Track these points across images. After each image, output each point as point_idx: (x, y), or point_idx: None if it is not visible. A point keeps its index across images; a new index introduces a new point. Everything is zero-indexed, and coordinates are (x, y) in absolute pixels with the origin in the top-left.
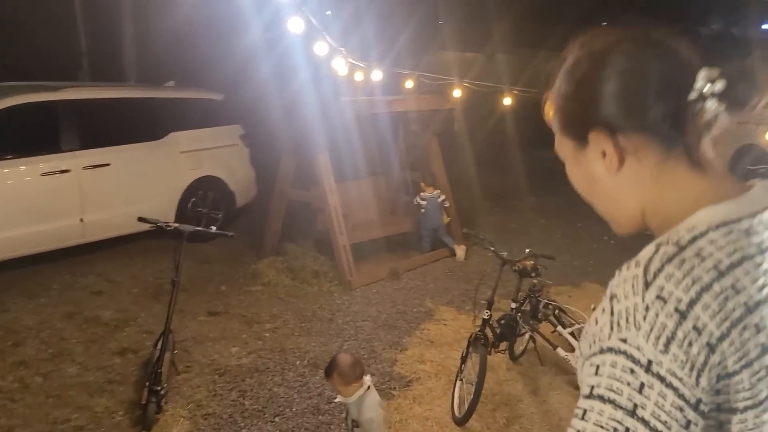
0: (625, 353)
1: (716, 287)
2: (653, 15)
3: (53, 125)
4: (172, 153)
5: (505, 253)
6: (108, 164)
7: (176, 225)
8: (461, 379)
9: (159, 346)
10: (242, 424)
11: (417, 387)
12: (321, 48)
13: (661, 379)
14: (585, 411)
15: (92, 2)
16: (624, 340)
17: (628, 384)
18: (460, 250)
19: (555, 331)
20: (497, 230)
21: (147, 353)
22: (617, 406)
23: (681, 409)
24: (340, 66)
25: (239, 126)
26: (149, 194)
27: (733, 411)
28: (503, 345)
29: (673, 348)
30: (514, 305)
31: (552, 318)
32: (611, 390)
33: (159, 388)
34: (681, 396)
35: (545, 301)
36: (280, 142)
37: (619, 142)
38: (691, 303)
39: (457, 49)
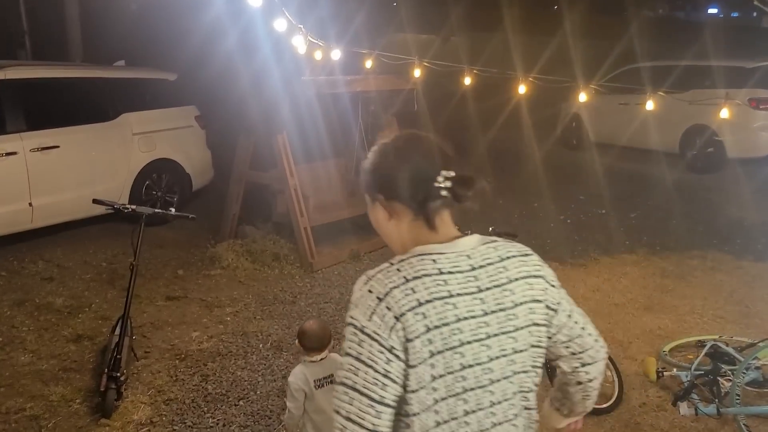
0: (351, 324)
1: (402, 287)
2: None
3: None
4: (125, 135)
5: (468, 231)
6: (57, 146)
7: (134, 207)
8: None
9: (117, 332)
10: (205, 409)
11: None
12: (280, 24)
13: (369, 336)
14: (341, 363)
15: None
16: (352, 317)
17: (353, 341)
18: None
19: None
20: (456, 210)
21: (103, 340)
22: (350, 355)
23: (381, 352)
24: (299, 43)
25: (194, 107)
26: (101, 177)
27: (413, 366)
28: None
29: (375, 318)
30: None
31: None
32: (348, 347)
33: (118, 374)
34: (381, 345)
35: None
36: (237, 123)
37: (389, 205)
38: (386, 294)
39: (413, 31)
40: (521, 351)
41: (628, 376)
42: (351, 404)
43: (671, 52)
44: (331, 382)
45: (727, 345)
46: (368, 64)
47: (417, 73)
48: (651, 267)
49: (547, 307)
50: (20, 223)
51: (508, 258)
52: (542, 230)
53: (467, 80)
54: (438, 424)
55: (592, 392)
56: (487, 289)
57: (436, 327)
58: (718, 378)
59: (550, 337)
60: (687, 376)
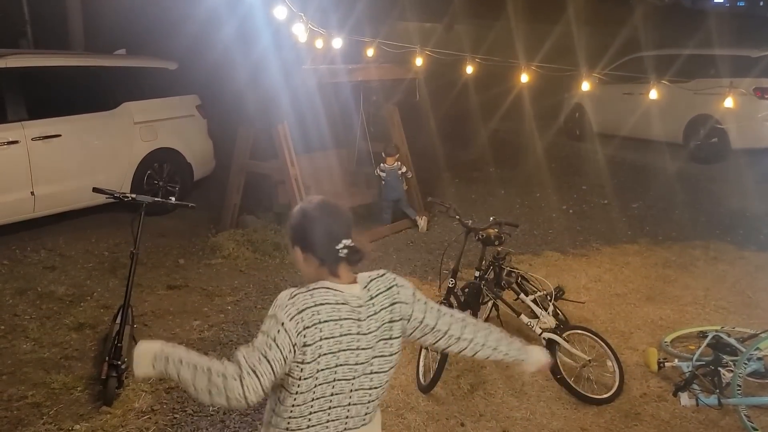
0: (275, 317)
1: (311, 308)
2: None
3: None
4: (126, 124)
5: (470, 221)
6: (59, 135)
7: (134, 196)
8: (426, 348)
9: (118, 320)
10: None
11: None
12: (280, 12)
13: (285, 331)
14: (255, 337)
15: None
16: (276, 313)
17: (273, 328)
18: (422, 221)
19: (518, 298)
20: (458, 201)
21: (105, 328)
22: (268, 335)
23: (288, 344)
24: (300, 32)
25: (196, 96)
26: (103, 166)
27: (307, 363)
28: (467, 313)
29: (292, 322)
30: (477, 273)
31: (515, 286)
32: (268, 330)
33: (120, 362)
34: (290, 340)
35: (508, 269)
36: (237, 113)
37: (302, 253)
38: (302, 310)
39: (416, 19)
40: (377, 357)
41: (629, 366)
42: (259, 363)
43: (676, 40)
44: None
45: (729, 336)
46: (370, 52)
47: (419, 62)
48: (653, 257)
49: (402, 319)
50: (22, 211)
51: (378, 295)
52: (544, 220)
53: (469, 69)
54: (313, 399)
55: (497, 341)
56: (364, 319)
57: (326, 339)
58: (720, 369)
59: (420, 336)
60: (688, 367)
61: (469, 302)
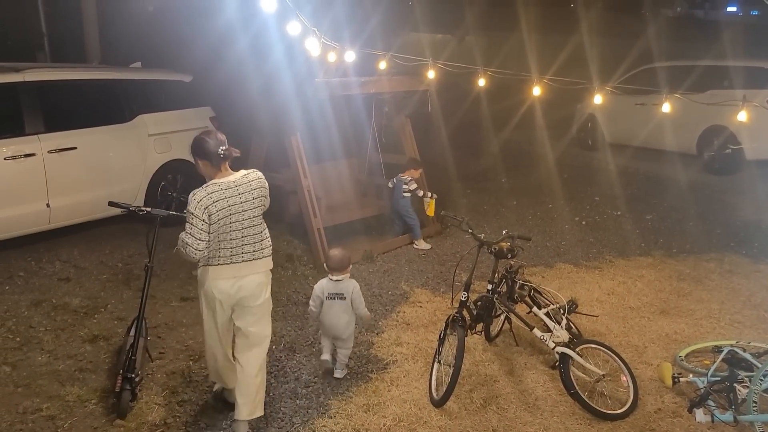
0: (189, 210)
1: (206, 197)
2: None
3: (16, 108)
4: (141, 136)
5: (483, 235)
6: (74, 148)
7: (149, 209)
8: (439, 361)
9: (132, 333)
10: (219, 410)
11: (394, 369)
12: (294, 27)
13: (194, 215)
14: (186, 224)
15: None
16: (189, 208)
17: (191, 215)
18: (421, 244)
19: (531, 311)
20: (470, 212)
21: (119, 340)
22: (190, 223)
23: (200, 220)
24: (313, 46)
25: (209, 108)
26: (117, 178)
27: (213, 223)
28: (479, 326)
29: (198, 208)
30: (490, 286)
31: (528, 299)
32: (189, 219)
33: (133, 375)
34: (200, 219)
35: (521, 282)
36: (250, 124)
37: (201, 161)
38: (201, 199)
39: (428, 31)
40: (253, 208)
41: (644, 381)
42: (192, 235)
43: (689, 51)
44: (340, 299)
45: (745, 351)
46: (382, 65)
47: (431, 74)
48: (667, 270)
49: (262, 193)
50: (38, 223)
51: (250, 182)
52: (556, 232)
53: (481, 82)
54: (220, 241)
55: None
56: (243, 192)
57: (221, 209)
58: (735, 384)
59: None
60: (703, 383)
61: (482, 315)
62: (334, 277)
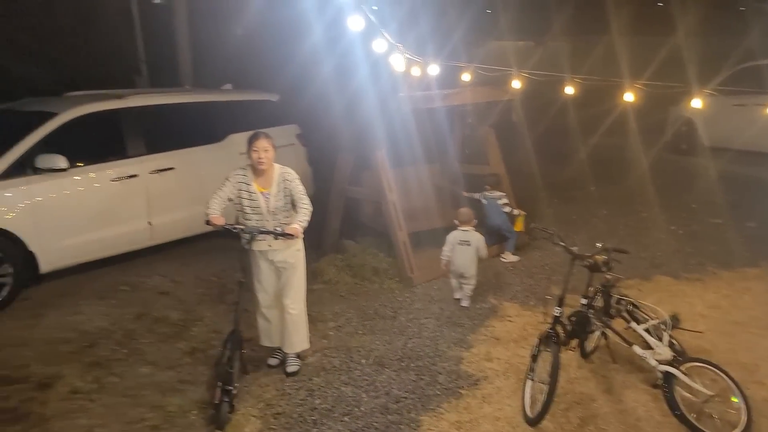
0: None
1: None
2: None
3: (119, 132)
4: (232, 154)
5: (576, 248)
6: (172, 168)
7: (243, 227)
8: (532, 378)
9: (228, 346)
10: (312, 423)
11: (485, 386)
12: (380, 45)
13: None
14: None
15: (149, 10)
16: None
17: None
18: (509, 257)
19: (629, 327)
20: (557, 222)
21: (215, 352)
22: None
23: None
24: (397, 62)
25: (296, 126)
26: (211, 196)
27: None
28: (574, 342)
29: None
30: (584, 301)
31: (625, 314)
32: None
33: (231, 387)
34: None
35: (617, 296)
36: (337, 140)
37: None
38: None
39: (511, 38)
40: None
41: (757, 402)
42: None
43: None
44: (468, 244)
45: None
46: (465, 77)
47: (516, 84)
48: None
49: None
50: (141, 241)
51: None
52: (652, 242)
53: (569, 90)
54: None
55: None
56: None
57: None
58: None
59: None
60: None
61: (577, 331)
62: (463, 228)
